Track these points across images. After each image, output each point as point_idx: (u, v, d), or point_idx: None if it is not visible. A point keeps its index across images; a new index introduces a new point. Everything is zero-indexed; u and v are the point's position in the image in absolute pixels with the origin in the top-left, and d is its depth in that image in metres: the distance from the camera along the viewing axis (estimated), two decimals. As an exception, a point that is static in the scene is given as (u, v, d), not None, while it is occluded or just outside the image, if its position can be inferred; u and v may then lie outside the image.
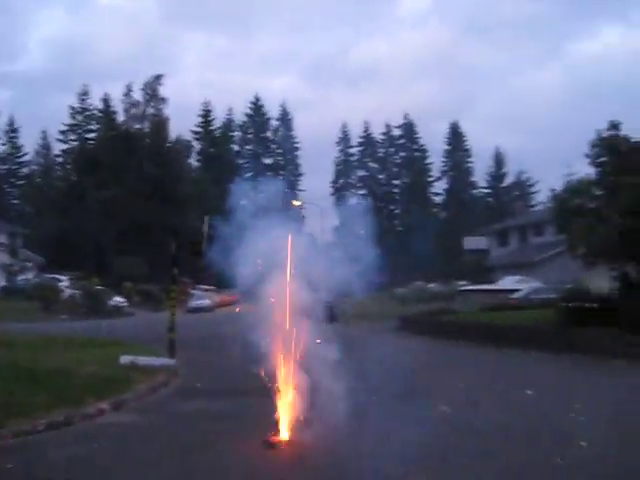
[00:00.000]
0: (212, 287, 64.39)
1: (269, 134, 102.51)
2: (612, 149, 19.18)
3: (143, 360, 14.92)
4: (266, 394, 9.53)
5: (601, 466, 7.24)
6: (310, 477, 6.94)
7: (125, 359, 14.86)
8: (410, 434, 8.14)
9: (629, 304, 18.18)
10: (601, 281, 21.58)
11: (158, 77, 75.77)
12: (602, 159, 19.62)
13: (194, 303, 49.64)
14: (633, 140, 19.34)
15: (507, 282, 39.66)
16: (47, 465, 7.33)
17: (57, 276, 50.56)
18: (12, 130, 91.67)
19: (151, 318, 41.27)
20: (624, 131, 19.80)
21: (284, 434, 8.20)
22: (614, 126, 19.39)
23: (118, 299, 46.84)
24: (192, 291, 54.84)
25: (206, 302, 53.86)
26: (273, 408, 8.58)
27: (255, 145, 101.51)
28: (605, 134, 19.36)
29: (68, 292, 45.63)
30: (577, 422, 9.36)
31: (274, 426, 8.24)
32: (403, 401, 9.64)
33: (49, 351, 17.09)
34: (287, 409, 8.45)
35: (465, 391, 11.76)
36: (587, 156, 19.70)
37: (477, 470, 7.09)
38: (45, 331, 24.72)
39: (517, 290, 34.51)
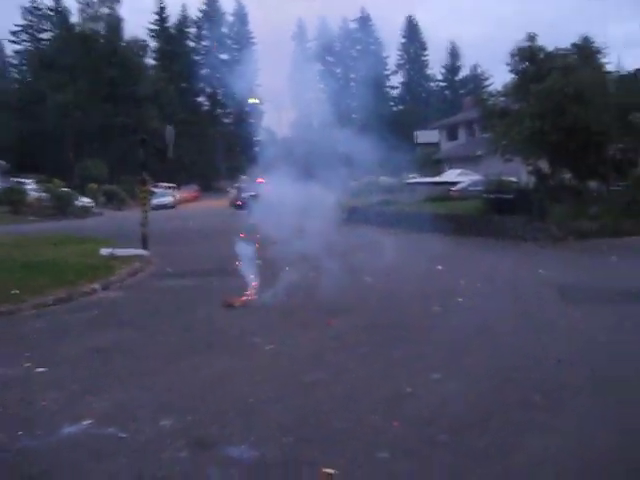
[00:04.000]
0: (172, 185, 66.46)
1: (224, 30, 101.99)
2: (529, 58, 21.62)
3: (120, 252, 17.49)
4: (225, 274, 12.24)
5: (469, 312, 10.10)
6: (256, 321, 9.70)
7: (105, 251, 17.42)
8: (338, 294, 11.02)
9: (539, 195, 21.07)
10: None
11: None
12: (521, 67, 22.04)
13: (157, 201, 51.42)
14: (548, 51, 21.80)
15: (450, 175, 42.36)
16: (65, 324, 9.99)
17: (21, 180, 51.79)
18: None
19: (118, 216, 43.60)
20: (541, 42, 22.23)
21: (239, 297, 11.00)
22: (531, 38, 21.76)
23: (85, 200, 48.58)
24: (154, 189, 56.64)
25: (168, 199, 55.96)
26: (231, 282, 11.35)
27: (210, 41, 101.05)
28: (523, 44, 21.74)
29: (34, 195, 47.06)
30: (465, 287, 12.26)
31: (231, 293, 11.04)
32: (337, 274, 12.28)
33: (32, 248, 19.32)
34: (242, 280, 11.25)
35: (388, 267, 14.43)
36: (507, 64, 22.13)
37: (375, 313, 10.03)
38: (19, 232, 26.79)
39: (458, 183, 37.34)
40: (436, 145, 67.32)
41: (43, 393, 6.58)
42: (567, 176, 22.59)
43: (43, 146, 69.59)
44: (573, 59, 21.67)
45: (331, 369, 7.23)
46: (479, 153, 50.10)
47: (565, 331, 8.90)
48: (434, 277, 13.78)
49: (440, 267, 14.94)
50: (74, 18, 78.63)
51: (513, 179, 25.51)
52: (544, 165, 22.55)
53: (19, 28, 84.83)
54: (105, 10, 76.24)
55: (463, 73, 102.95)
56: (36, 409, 6.18)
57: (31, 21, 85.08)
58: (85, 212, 45.69)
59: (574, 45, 22.05)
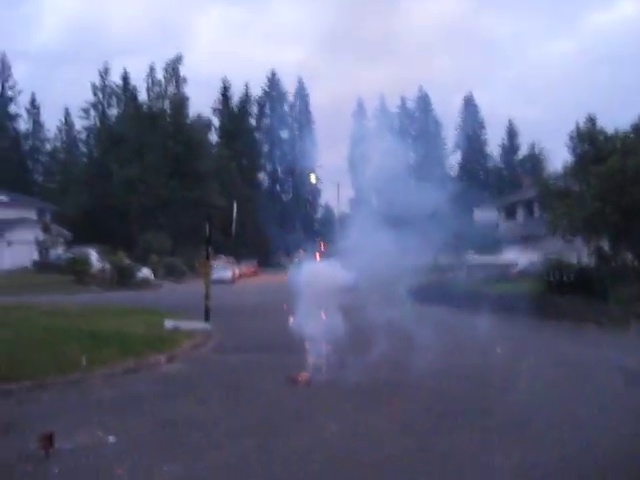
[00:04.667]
0: (232, 258, 67.54)
1: (286, 108, 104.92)
2: (588, 140, 21.79)
3: (184, 324, 17.90)
4: (287, 350, 12.48)
5: (529, 396, 10.06)
6: (319, 400, 9.84)
7: (169, 323, 17.84)
8: (398, 372, 11.09)
9: (600, 276, 20.88)
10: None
11: (178, 58, 78.58)
12: (581, 149, 22.21)
13: (216, 275, 51.99)
14: (608, 134, 21.95)
15: (509, 255, 42.20)
16: (134, 395, 10.29)
17: (86, 250, 53.31)
18: (34, 107, 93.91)
19: (178, 289, 44.49)
20: (601, 123, 22.41)
21: (303, 374, 11.16)
22: (591, 120, 21.98)
23: (145, 271, 49.59)
24: (214, 263, 57.40)
25: (228, 274, 56.65)
26: (294, 357, 11.55)
27: (272, 119, 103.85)
28: (582, 127, 21.95)
29: (98, 265, 48.37)
30: (525, 370, 12.20)
31: (295, 369, 11.21)
32: (398, 352, 12.43)
33: (98, 318, 19.91)
34: (305, 357, 11.43)
35: (447, 347, 14.44)
36: (567, 146, 22.36)
37: (435, 394, 10.05)
38: (84, 302, 27.62)
39: (517, 263, 37.16)
40: (494, 224, 67.19)
41: (115, 462, 6.82)
42: (629, 257, 22.35)
43: (108, 218, 71.77)
44: (632, 140, 21.75)
45: (392, 452, 7.32)
46: (539, 233, 49.95)
47: (627, 415, 8.82)
48: (494, 359, 13.71)
49: (499, 350, 14.86)
50: (142, 96, 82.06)
51: (573, 260, 25.33)
52: (605, 245, 22.39)
53: (88, 105, 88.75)
54: (171, 89, 79.40)
55: (521, 152, 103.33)
56: (108, 477, 6.40)
57: (100, 98, 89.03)
58: (146, 284, 46.65)
59: (633, 126, 22.15)
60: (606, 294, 20.18)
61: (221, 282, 50.81)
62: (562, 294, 21.59)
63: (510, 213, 63.77)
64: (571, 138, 22.04)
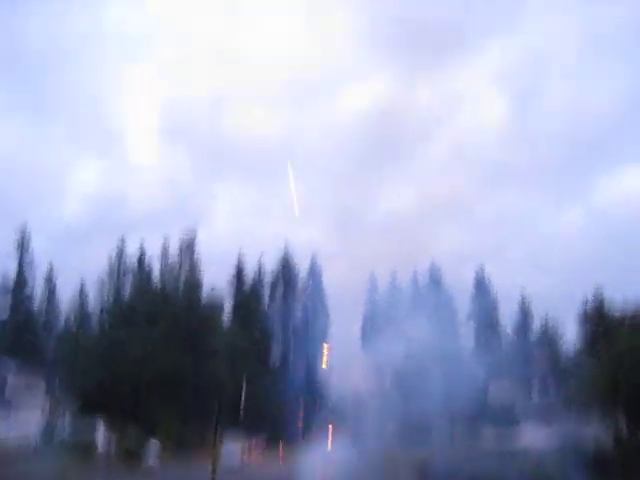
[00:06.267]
0: (241, 433, 65.93)
1: (299, 285, 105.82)
2: (596, 323, 22.04)
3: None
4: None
5: None
6: None
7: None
8: None
9: (617, 458, 20.44)
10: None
11: (193, 237, 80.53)
12: (590, 329, 22.36)
13: (225, 462, 50.21)
14: (616, 315, 22.18)
15: (525, 430, 41.33)
16: None
17: (93, 422, 52.06)
18: (50, 280, 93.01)
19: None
20: (609, 293, 22.63)
21: None
22: (599, 299, 22.28)
23: (152, 449, 48.46)
24: (223, 444, 55.85)
25: (234, 460, 55.05)
26: None
27: (285, 299, 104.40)
28: (589, 309, 22.23)
29: (104, 446, 47.34)
30: None
31: None
32: None
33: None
34: None
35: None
36: (576, 322, 22.43)
37: None
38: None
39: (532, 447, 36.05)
40: (510, 398, 66.11)
41: None
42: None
43: (117, 390, 70.60)
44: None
45: None
46: (554, 408, 48.98)
47: None
48: None
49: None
50: (155, 271, 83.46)
51: (590, 436, 24.82)
52: (621, 422, 21.99)
53: (102, 278, 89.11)
54: (186, 267, 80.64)
55: (535, 325, 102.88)
56: None
57: (115, 272, 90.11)
58: (150, 471, 45.54)
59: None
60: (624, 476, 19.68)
61: (231, 470, 49.32)
62: (578, 471, 21.00)
63: (526, 388, 62.90)
64: (579, 318, 22.18)
